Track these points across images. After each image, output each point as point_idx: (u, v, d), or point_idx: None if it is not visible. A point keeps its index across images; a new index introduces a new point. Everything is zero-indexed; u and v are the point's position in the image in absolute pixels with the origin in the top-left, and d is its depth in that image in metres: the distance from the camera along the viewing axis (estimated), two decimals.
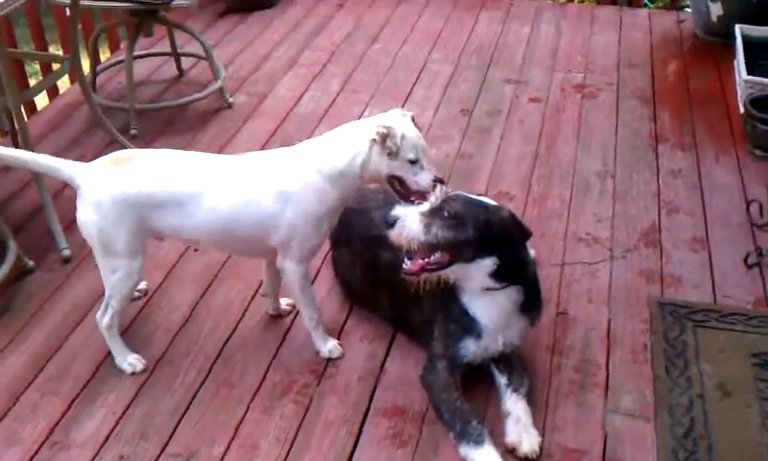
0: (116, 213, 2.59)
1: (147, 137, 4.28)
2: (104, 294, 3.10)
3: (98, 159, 2.70)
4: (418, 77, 4.96)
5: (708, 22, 5.23)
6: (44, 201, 3.46)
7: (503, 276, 2.58)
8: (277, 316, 3.08)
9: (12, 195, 3.84)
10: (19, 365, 2.89)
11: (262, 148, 4.17)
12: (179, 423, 2.66)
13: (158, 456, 2.54)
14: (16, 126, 3.61)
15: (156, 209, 2.62)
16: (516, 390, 2.66)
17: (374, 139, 2.59)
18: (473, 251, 2.53)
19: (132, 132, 4.25)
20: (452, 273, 2.59)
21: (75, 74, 4.27)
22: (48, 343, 2.98)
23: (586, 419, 2.64)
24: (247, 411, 2.70)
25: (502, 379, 2.70)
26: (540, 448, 2.52)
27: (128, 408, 2.71)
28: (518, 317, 2.70)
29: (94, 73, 4.66)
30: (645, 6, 6.06)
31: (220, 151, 4.13)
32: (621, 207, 3.70)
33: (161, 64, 5.06)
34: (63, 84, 4.75)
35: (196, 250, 3.33)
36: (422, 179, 2.64)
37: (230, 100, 4.63)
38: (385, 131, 2.58)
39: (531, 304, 2.71)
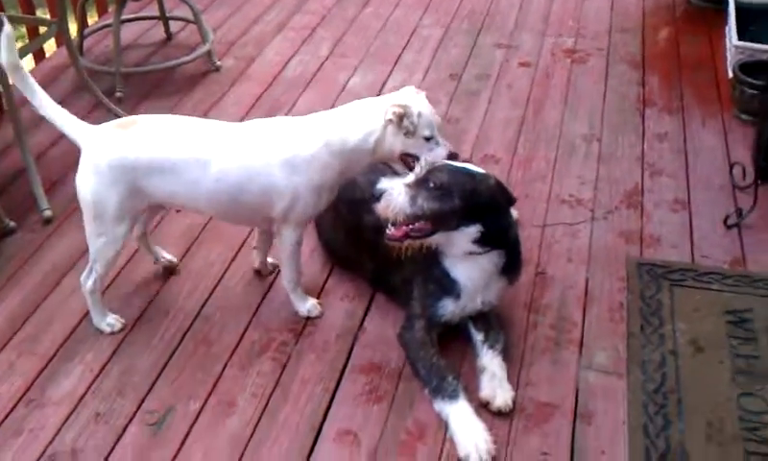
0: (112, 177, 2.59)
1: (133, 101, 4.28)
2: (85, 255, 3.14)
3: (105, 124, 2.70)
4: (408, 41, 4.94)
5: None
6: (27, 162, 3.47)
7: (486, 242, 2.59)
8: (258, 272, 3.09)
9: None
10: None
11: (249, 111, 4.19)
12: (156, 380, 2.68)
13: (135, 413, 2.57)
14: (1, 89, 3.61)
15: (153, 175, 2.60)
16: (492, 347, 2.67)
17: (391, 119, 2.57)
18: (458, 220, 2.54)
19: (118, 95, 4.25)
20: (435, 240, 2.60)
21: (62, 37, 4.27)
22: (26, 303, 3.00)
23: (559, 375, 2.66)
24: (224, 368, 2.72)
25: (479, 336, 2.72)
26: (514, 403, 2.54)
27: (105, 366, 2.73)
28: (498, 278, 2.71)
29: (81, 37, 4.65)
30: None
31: (206, 114, 4.13)
32: (605, 170, 3.70)
33: (149, 28, 5.04)
34: (50, 47, 4.75)
35: (178, 211, 3.34)
36: (438, 154, 2.62)
37: (218, 63, 4.62)
38: (401, 110, 2.56)
39: (511, 266, 2.73)
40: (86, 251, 3.12)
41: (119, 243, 2.72)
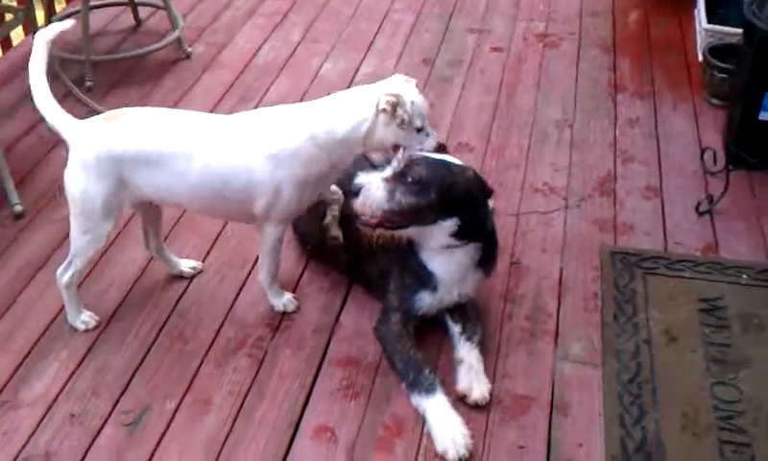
0: (99, 171, 2.56)
1: (103, 89, 4.22)
2: (58, 250, 3.13)
3: (92, 117, 2.67)
4: (380, 26, 4.91)
5: None
6: None
7: (464, 235, 2.59)
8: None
9: None
10: None
11: (221, 98, 4.15)
12: (131, 379, 2.66)
13: (110, 413, 2.55)
14: None
15: (140, 168, 2.57)
16: (469, 339, 2.68)
17: (384, 109, 2.50)
18: (435, 214, 2.54)
19: (88, 84, 4.19)
20: (412, 233, 2.60)
21: (29, 25, 4.21)
22: None
23: (535, 366, 2.68)
24: (200, 366, 2.71)
25: (456, 328, 2.73)
26: (491, 395, 2.55)
27: (79, 365, 2.70)
28: (475, 270, 2.72)
29: (49, 24, 4.56)
30: None
31: (177, 102, 4.09)
32: (578, 156, 3.71)
33: (118, 14, 4.96)
34: (17, 35, 4.66)
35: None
36: (427, 146, 2.58)
37: (189, 50, 4.57)
38: (395, 99, 2.49)
39: (488, 259, 2.73)
40: (60, 246, 3.15)
41: (103, 240, 2.70)
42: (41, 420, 2.53)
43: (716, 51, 4.09)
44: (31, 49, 2.68)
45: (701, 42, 4.35)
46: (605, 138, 3.84)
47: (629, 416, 2.47)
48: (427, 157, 2.55)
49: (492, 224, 2.74)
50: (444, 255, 2.65)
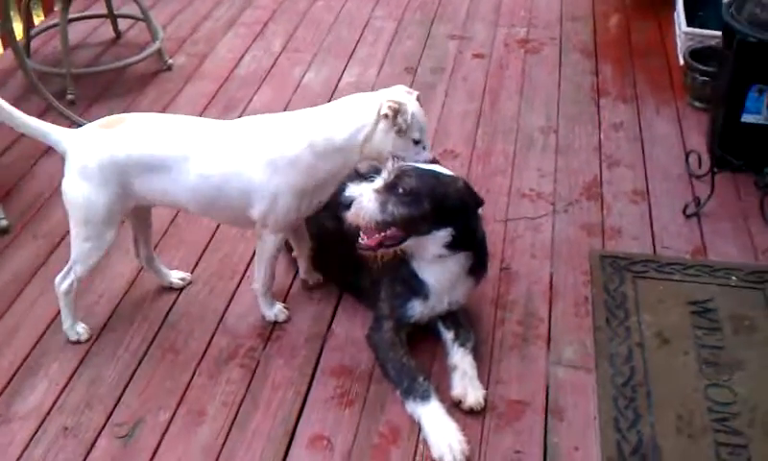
0: (102, 178, 2.55)
1: (84, 103, 4.19)
2: (46, 264, 3.11)
3: (89, 124, 2.66)
4: (361, 34, 4.92)
5: None
6: None
7: (457, 245, 2.59)
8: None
9: None
10: None
11: (204, 110, 4.13)
12: (123, 391, 2.64)
13: (103, 426, 2.52)
14: None
15: (143, 174, 2.57)
16: (462, 345, 2.68)
17: (386, 114, 2.50)
18: (429, 225, 2.53)
19: (69, 97, 4.15)
20: (407, 245, 2.59)
21: (7, 39, 4.16)
22: None
23: (529, 371, 2.69)
24: (193, 377, 2.69)
25: (449, 335, 2.73)
26: (485, 401, 2.55)
27: (71, 379, 2.68)
28: (466, 278, 2.72)
29: (28, 37, 4.53)
30: None
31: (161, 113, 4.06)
32: (563, 162, 3.73)
33: (98, 27, 4.93)
34: None
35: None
36: (422, 159, 2.58)
37: (170, 62, 4.55)
38: (396, 106, 2.49)
39: (478, 266, 2.74)
40: (45, 262, 3.13)
41: (104, 248, 2.69)
42: (35, 433, 2.50)
43: (697, 54, 4.13)
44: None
45: (681, 45, 4.39)
46: (590, 143, 3.86)
47: (624, 419, 2.47)
48: (417, 168, 2.54)
49: (483, 232, 2.75)
50: (435, 265, 2.64)
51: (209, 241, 3.25)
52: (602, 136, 3.91)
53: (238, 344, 2.81)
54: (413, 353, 2.66)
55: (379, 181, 2.52)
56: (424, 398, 2.51)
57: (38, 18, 5.02)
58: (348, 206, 2.49)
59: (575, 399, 2.58)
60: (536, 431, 2.49)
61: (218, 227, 3.30)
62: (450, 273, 2.66)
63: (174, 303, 2.98)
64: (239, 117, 3.79)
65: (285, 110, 3.94)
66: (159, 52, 4.50)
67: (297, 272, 3.10)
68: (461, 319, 2.77)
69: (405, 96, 2.58)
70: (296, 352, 2.78)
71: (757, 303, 2.88)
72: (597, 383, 2.61)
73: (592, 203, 3.45)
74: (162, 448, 2.46)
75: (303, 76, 4.47)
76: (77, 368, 2.72)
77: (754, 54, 3.37)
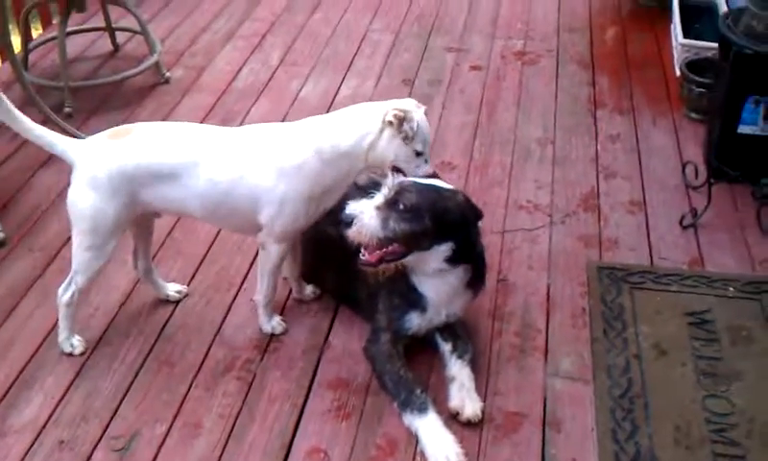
0: (112, 189, 2.56)
1: (82, 116, 4.19)
2: (42, 277, 3.10)
3: (97, 134, 2.67)
4: (359, 47, 4.93)
5: None
6: None
7: (457, 259, 2.59)
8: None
9: None
10: None
11: (202, 122, 4.12)
12: (120, 404, 2.63)
13: (99, 439, 2.52)
14: None
15: (152, 182, 2.58)
16: (460, 356, 2.68)
17: (391, 121, 2.52)
18: (431, 240, 2.54)
19: (67, 110, 4.16)
20: (408, 260, 2.59)
21: (5, 52, 4.16)
22: None
23: (526, 382, 2.68)
24: (189, 389, 2.68)
25: (446, 346, 2.72)
26: (483, 413, 2.55)
27: (67, 392, 2.67)
28: (464, 291, 2.72)
29: (26, 50, 4.54)
30: None
31: None
32: (560, 173, 3.73)
33: (96, 40, 4.93)
34: None
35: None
36: (422, 172, 2.59)
37: (167, 75, 4.55)
38: (402, 114, 2.52)
39: (476, 279, 2.74)
40: (42, 274, 3.12)
41: (106, 258, 2.69)
42: (30, 447, 2.49)
43: (693, 65, 4.14)
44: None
45: (678, 57, 4.39)
46: (586, 154, 3.86)
47: (622, 431, 2.47)
48: (417, 183, 2.55)
49: (482, 246, 2.74)
50: (434, 278, 2.65)
51: (206, 253, 3.25)
52: (599, 148, 3.91)
53: (235, 356, 2.81)
54: (410, 365, 2.65)
55: (379, 198, 2.52)
56: (422, 410, 2.50)
57: (37, 31, 5.02)
58: (350, 223, 2.49)
59: (573, 410, 2.58)
60: (533, 443, 2.49)
61: (215, 239, 3.30)
62: (449, 286, 2.66)
63: (170, 315, 2.97)
64: None
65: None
66: (157, 65, 4.50)
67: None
68: (459, 330, 2.76)
69: (413, 107, 2.61)
70: (293, 365, 2.77)
71: (755, 314, 2.88)
72: (595, 395, 2.61)
73: (589, 214, 3.45)
74: None
75: (301, 89, 4.48)
76: (73, 381, 2.71)
77: (750, 65, 3.38)
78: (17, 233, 3.34)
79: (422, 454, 2.44)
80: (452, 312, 2.73)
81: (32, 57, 4.63)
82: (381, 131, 2.54)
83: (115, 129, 2.71)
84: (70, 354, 2.79)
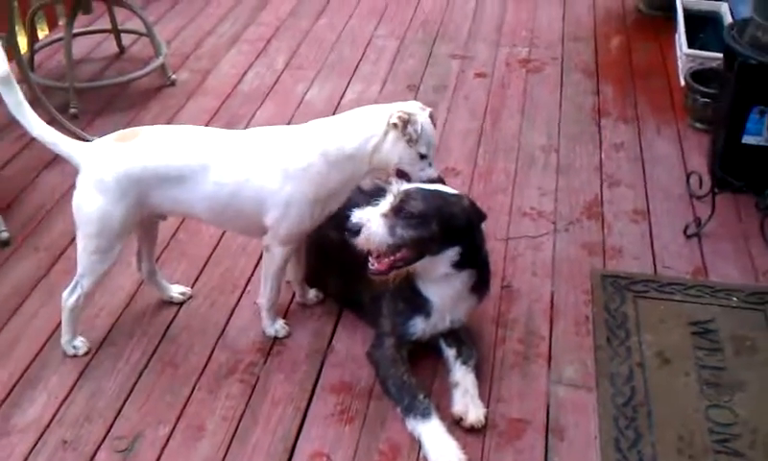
0: (119, 192, 2.56)
1: (87, 117, 4.20)
2: (46, 277, 3.11)
3: (104, 137, 2.67)
4: (364, 52, 4.94)
5: None
6: None
7: (464, 263, 2.60)
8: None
9: None
10: None
11: (207, 125, 4.11)
12: (123, 404, 2.63)
13: (103, 439, 2.52)
14: None
15: (159, 185, 2.59)
16: (464, 362, 2.69)
17: (395, 124, 2.53)
18: (438, 245, 2.54)
19: (72, 111, 4.17)
20: (418, 265, 2.59)
21: (12, 53, 4.16)
22: None
23: (530, 389, 2.68)
24: (192, 391, 2.69)
25: (450, 352, 2.73)
26: (486, 419, 2.55)
27: (70, 392, 2.67)
28: (468, 296, 2.72)
29: (32, 51, 4.55)
30: None
31: None
32: (564, 181, 3.73)
33: (101, 41, 4.95)
34: None
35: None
36: (426, 175, 2.60)
37: (173, 77, 4.56)
38: (406, 116, 2.52)
39: (481, 284, 2.74)
40: (46, 274, 3.13)
41: (112, 260, 2.69)
42: (34, 446, 2.49)
43: (698, 75, 4.14)
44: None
45: (682, 67, 4.41)
46: (591, 162, 3.87)
47: (625, 439, 2.47)
48: (422, 189, 2.55)
49: (486, 251, 2.75)
50: (440, 282, 2.65)
51: (210, 255, 3.25)
52: (603, 156, 3.92)
53: (238, 359, 2.81)
54: (414, 370, 2.66)
55: (385, 205, 2.52)
56: (425, 415, 2.51)
57: (43, 32, 5.04)
58: (357, 232, 2.49)
59: (576, 418, 2.58)
60: (536, 450, 2.49)
61: (219, 241, 3.31)
62: (454, 290, 2.67)
63: (174, 316, 2.98)
64: None
65: None
66: (163, 67, 4.51)
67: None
68: (462, 336, 2.76)
69: (418, 110, 2.61)
70: (296, 368, 2.77)
71: (758, 324, 2.88)
72: (598, 403, 2.61)
73: (593, 222, 3.45)
74: None
75: (306, 93, 4.49)
76: (76, 381, 2.71)
77: (755, 76, 3.39)
78: (22, 233, 3.35)
79: (425, 460, 2.44)
80: (457, 317, 2.73)
81: (38, 57, 4.65)
82: (386, 133, 2.55)
83: (122, 132, 2.72)
84: (74, 356, 2.79)
